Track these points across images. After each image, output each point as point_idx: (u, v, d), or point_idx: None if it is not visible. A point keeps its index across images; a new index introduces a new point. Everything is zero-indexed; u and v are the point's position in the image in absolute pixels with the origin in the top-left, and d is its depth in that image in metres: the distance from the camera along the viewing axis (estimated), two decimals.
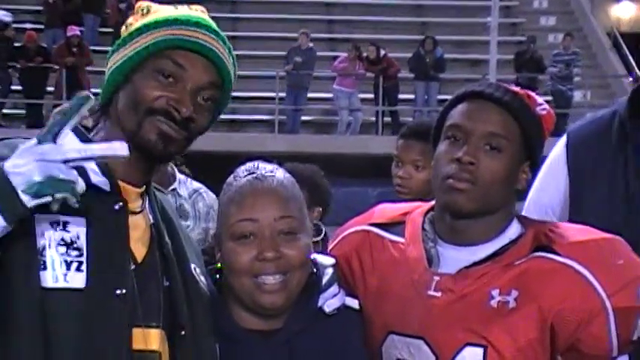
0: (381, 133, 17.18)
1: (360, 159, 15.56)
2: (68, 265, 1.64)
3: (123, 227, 1.71)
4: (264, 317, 1.88)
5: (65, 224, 1.65)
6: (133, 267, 1.71)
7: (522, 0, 21.15)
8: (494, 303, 1.87)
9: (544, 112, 1.99)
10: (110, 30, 17.65)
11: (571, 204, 2.28)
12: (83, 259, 1.64)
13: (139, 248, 1.75)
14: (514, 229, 1.95)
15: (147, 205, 1.80)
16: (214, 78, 1.81)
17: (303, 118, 17.89)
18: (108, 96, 1.79)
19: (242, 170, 1.93)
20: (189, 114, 1.73)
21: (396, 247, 2.02)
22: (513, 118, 1.93)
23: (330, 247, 2.14)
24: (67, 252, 1.64)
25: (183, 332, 1.76)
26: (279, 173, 1.92)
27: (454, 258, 1.94)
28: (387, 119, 17.64)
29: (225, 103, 1.95)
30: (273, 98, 17.45)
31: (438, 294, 1.90)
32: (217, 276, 1.93)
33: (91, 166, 1.66)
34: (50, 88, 16.61)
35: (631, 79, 19.15)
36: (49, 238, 1.64)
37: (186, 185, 4.11)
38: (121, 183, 1.73)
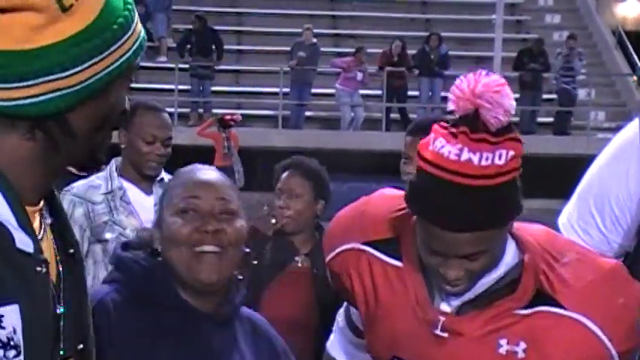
0: (388, 129, 17.16)
1: (363, 155, 15.55)
2: None
3: (47, 297, 1.36)
4: (201, 295, 1.93)
5: (0, 319, 1.29)
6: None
7: None
8: (502, 351, 1.82)
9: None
10: None
11: None
12: (21, 357, 1.31)
13: (53, 273, 1.40)
14: (511, 254, 1.85)
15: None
16: None
17: (307, 113, 17.88)
18: (57, 110, 1.31)
19: (185, 168, 2.06)
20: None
21: (394, 272, 1.93)
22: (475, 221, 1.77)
23: (327, 260, 2.08)
24: (4, 355, 1.30)
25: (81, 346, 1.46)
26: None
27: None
28: (395, 116, 17.63)
29: None
30: (277, 93, 17.43)
31: (445, 334, 1.84)
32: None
33: (8, 218, 1.30)
34: None
35: (635, 77, 19.15)
36: None
37: (168, 177, 4.08)
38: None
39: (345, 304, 2.19)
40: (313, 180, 3.56)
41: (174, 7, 18.45)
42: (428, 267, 1.83)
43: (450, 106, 1.77)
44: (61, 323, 1.38)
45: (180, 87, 17.13)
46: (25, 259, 1.30)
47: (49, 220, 1.42)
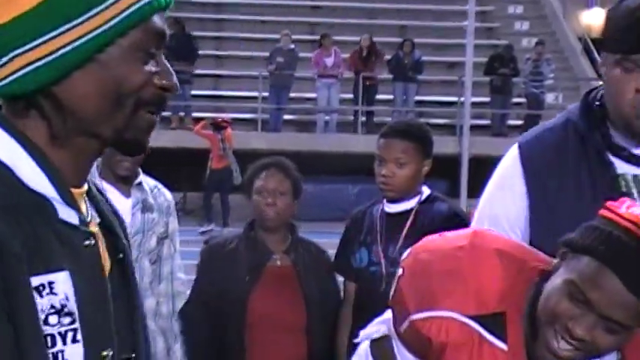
0: (360, 131, 17.18)
1: (340, 157, 15.56)
2: (64, 337, 1.23)
3: (98, 270, 1.29)
4: None
5: (51, 285, 1.22)
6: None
7: (498, 5, 21.18)
8: None
9: None
10: None
11: (534, 223, 2.14)
12: (77, 325, 1.23)
13: (106, 260, 1.32)
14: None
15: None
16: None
17: (285, 117, 17.86)
18: (43, 84, 1.22)
19: None
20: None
21: (495, 354, 1.74)
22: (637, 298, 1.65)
23: (414, 316, 1.78)
24: (59, 321, 1.22)
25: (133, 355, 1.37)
26: None
27: None
28: (363, 118, 17.67)
29: None
30: (256, 97, 17.44)
31: None
32: None
33: (51, 193, 1.24)
34: None
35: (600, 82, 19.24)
36: (40, 309, 1.21)
37: (146, 180, 4.07)
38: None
39: (391, 343, 1.91)
40: (292, 180, 3.56)
41: None
42: (550, 318, 1.67)
43: None
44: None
45: None
46: (70, 231, 1.25)
47: (97, 220, 1.34)
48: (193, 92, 17.21)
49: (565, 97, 18.99)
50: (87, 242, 1.26)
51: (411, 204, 3.49)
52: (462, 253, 1.76)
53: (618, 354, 1.76)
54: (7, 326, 1.17)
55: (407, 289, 1.78)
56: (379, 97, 17.72)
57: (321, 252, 3.63)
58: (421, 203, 3.50)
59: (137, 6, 1.22)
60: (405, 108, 17.39)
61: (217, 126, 14.22)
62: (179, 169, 14.31)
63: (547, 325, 1.68)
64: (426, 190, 3.54)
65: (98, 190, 1.41)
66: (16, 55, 1.20)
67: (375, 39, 17.81)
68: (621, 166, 2.09)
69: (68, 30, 1.19)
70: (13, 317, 1.18)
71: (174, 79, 1.29)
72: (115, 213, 1.41)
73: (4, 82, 1.21)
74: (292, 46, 17.27)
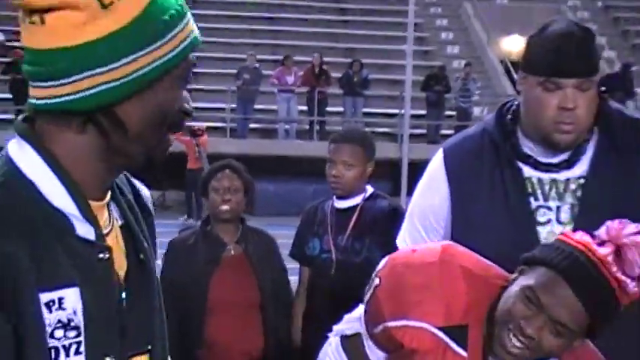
0: (315, 138, 17.18)
1: (297, 160, 15.53)
2: (67, 350, 1.16)
3: (109, 282, 1.21)
4: None
5: (61, 301, 1.15)
6: (123, 296, 1.23)
7: (432, 32, 21.29)
8: None
9: (631, 292, 1.68)
10: None
11: (455, 219, 2.13)
12: (81, 338, 1.17)
13: (121, 267, 1.25)
14: None
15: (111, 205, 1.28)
16: None
17: (251, 125, 17.81)
18: (109, 103, 1.15)
19: None
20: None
21: (456, 358, 1.74)
22: (586, 312, 1.66)
23: (391, 324, 1.76)
24: (64, 335, 1.15)
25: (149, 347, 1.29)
26: None
27: None
28: (317, 127, 17.69)
29: None
30: (225, 109, 17.39)
31: None
32: None
33: (71, 209, 1.17)
34: None
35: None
36: (48, 324, 1.14)
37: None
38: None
39: (363, 341, 1.89)
40: (243, 179, 3.55)
41: None
42: (506, 318, 1.67)
43: None
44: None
45: None
46: (86, 247, 1.17)
47: (119, 222, 1.27)
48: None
49: (489, 111, 19.10)
50: (101, 256, 1.19)
51: (356, 200, 3.48)
52: (433, 269, 1.75)
53: None
54: (8, 327, 1.11)
55: (383, 298, 1.77)
56: (331, 109, 17.75)
57: (267, 238, 3.61)
58: (366, 200, 3.49)
59: (188, 41, 1.19)
60: (354, 119, 17.40)
61: (194, 133, 14.25)
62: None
63: (502, 325, 1.68)
64: (369, 189, 3.53)
65: (128, 179, 1.32)
66: (90, 76, 1.13)
67: (328, 59, 17.82)
68: (528, 171, 2.07)
69: (142, 56, 1.14)
70: (19, 329, 1.11)
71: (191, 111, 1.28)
72: (143, 205, 1.33)
73: (72, 97, 1.14)
74: (257, 64, 17.26)
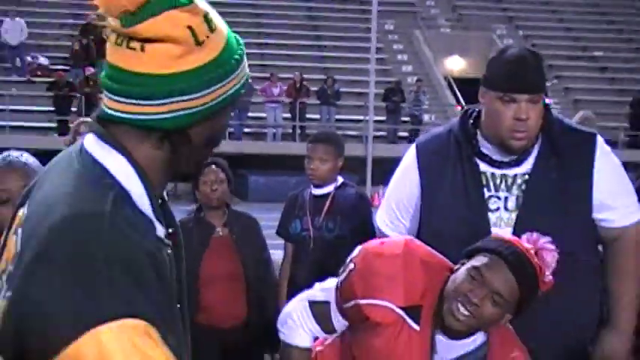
0: (297, 140, 17.14)
1: (283, 158, 15.48)
2: None
3: (173, 275, 1.13)
4: None
5: None
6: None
7: (390, 54, 21.27)
8: None
9: (547, 281, 1.75)
10: None
11: (423, 202, 2.12)
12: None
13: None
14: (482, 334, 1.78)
15: None
16: None
17: (245, 130, 17.72)
18: (183, 125, 1.10)
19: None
20: None
21: (410, 333, 1.75)
22: (519, 288, 1.71)
23: (363, 301, 1.76)
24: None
25: None
26: (25, 157, 1.79)
27: (447, 346, 1.76)
28: (299, 131, 17.65)
29: None
30: None
31: None
32: None
33: (149, 210, 1.09)
34: (74, 109, 16.14)
35: (459, 107, 19.47)
36: None
37: None
38: None
39: (332, 314, 1.87)
40: (227, 172, 3.52)
41: None
42: (455, 293, 1.70)
43: None
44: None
45: None
46: (161, 245, 1.10)
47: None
48: None
49: (436, 117, 19.15)
50: (169, 251, 1.12)
51: (329, 189, 3.47)
52: (398, 260, 1.77)
53: (485, 335, 1.78)
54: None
55: (357, 280, 1.77)
56: (310, 116, 17.69)
57: (250, 220, 3.57)
58: (337, 188, 3.48)
59: (245, 77, 1.17)
60: (328, 124, 17.36)
61: None
62: None
63: (452, 299, 1.71)
64: (340, 179, 3.52)
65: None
66: (175, 101, 1.06)
67: (307, 76, 17.76)
68: (483, 167, 2.06)
69: (219, 88, 1.10)
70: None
71: None
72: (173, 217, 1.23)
73: (154, 116, 1.06)
74: (249, 80, 17.11)
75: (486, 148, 2.07)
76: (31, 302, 0.97)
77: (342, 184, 3.51)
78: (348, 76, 19.65)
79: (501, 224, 2.01)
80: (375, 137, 16.66)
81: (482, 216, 2.02)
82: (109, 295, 0.97)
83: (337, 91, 17.61)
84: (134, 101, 1.06)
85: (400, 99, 17.85)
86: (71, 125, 4.87)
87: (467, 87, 20.42)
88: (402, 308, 1.74)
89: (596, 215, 2.05)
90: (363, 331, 1.78)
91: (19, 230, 1.07)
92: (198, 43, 1.06)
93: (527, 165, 2.05)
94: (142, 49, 1.05)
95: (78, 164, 1.08)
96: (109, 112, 1.09)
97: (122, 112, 1.07)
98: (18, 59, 17.35)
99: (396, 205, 2.19)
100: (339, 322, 1.87)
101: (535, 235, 1.78)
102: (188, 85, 1.06)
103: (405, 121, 18.46)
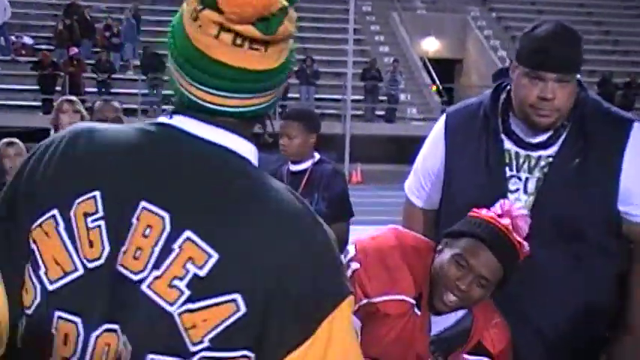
0: (278, 119, 17.03)
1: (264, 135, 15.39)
2: None
3: None
4: None
5: None
6: None
7: (368, 35, 21.18)
8: None
9: (525, 251, 1.75)
10: (98, 50, 17.03)
11: (445, 170, 2.04)
12: None
13: None
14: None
15: None
16: None
17: None
18: (268, 112, 1.16)
19: None
20: None
21: (415, 318, 1.77)
22: (502, 267, 1.72)
23: (380, 299, 1.77)
24: None
25: None
26: None
27: (434, 323, 1.78)
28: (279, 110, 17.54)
29: None
30: None
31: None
32: None
33: None
34: (58, 88, 15.91)
35: (434, 87, 19.45)
36: None
37: None
38: None
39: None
40: None
41: (139, 38, 17.89)
42: (444, 280, 1.71)
43: None
44: None
45: (143, 91, 16.65)
46: None
47: None
48: (164, 92, 16.82)
49: (412, 97, 19.15)
50: None
51: (307, 165, 3.45)
52: (396, 252, 1.78)
53: (470, 316, 1.79)
54: None
55: (365, 279, 1.76)
56: (291, 95, 17.57)
57: None
58: (314, 164, 3.46)
59: None
60: (307, 103, 17.27)
61: None
62: None
63: (442, 286, 1.71)
64: (317, 156, 3.51)
65: None
66: (270, 94, 1.07)
67: None
68: (509, 145, 1.96)
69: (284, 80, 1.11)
70: None
71: None
72: None
73: (263, 105, 1.08)
74: None
75: (515, 124, 1.96)
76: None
77: (320, 160, 3.49)
78: (327, 57, 19.53)
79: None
80: (353, 116, 16.61)
81: (501, 194, 1.90)
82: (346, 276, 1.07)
83: (316, 71, 17.50)
84: (253, 95, 1.05)
85: (377, 79, 17.79)
86: (55, 104, 4.74)
87: (441, 67, 20.44)
88: (414, 298, 1.76)
89: (621, 207, 1.90)
90: (370, 322, 1.77)
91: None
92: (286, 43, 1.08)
93: (554, 148, 1.94)
94: (266, 50, 1.03)
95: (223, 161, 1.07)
96: (229, 110, 1.06)
97: (244, 106, 1.06)
98: (2, 39, 17.09)
99: (422, 172, 2.11)
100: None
101: (507, 202, 1.76)
102: (276, 81, 1.07)
103: (382, 101, 18.42)
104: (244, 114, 1.06)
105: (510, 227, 1.73)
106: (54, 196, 1.02)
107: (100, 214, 1.00)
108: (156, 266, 0.97)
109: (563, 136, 1.93)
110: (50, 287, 0.99)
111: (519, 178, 1.94)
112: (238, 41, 1.01)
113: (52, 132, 4.50)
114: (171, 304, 0.95)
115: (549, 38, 1.86)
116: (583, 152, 1.91)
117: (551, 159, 1.93)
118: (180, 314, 0.95)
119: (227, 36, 1.01)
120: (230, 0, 0.99)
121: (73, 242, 0.99)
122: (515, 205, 1.76)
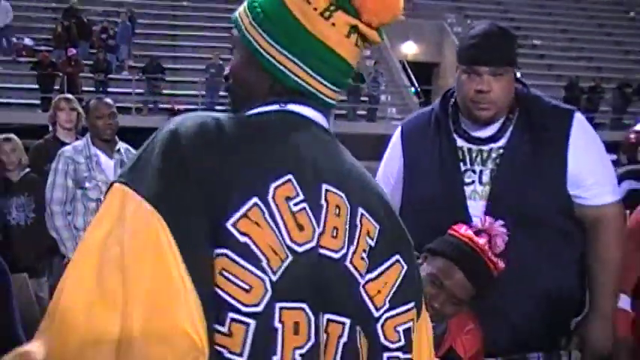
0: None
1: None
2: None
3: None
4: None
5: None
6: None
7: None
8: None
9: (499, 268, 1.74)
10: (95, 51, 16.92)
11: (405, 172, 2.08)
12: None
13: None
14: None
15: None
16: None
17: (217, 107, 17.54)
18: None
19: None
20: None
21: None
22: (473, 287, 1.72)
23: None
24: None
25: None
26: None
27: None
28: None
29: None
30: (197, 95, 17.05)
31: None
32: None
33: None
34: (56, 87, 15.79)
35: (413, 89, 19.51)
36: None
37: (121, 145, 3.87)
38: None
39: None
40: None
41: (133, 41, 17.79)
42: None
43: None
44: None
45: (137, 90, 16.58)
46: None
47: None
48: (164, 92, 16.78)
49: (392, 98, 19.20)
50: None
51: None
52: None
53: (445, 324, 1.78)
54: None
55: None
56: None
57: None
58: None
59: None
60: None
61: (174, 112, 13.97)
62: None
63: None
64: None
65: None
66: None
67: None
68: (461, 142, 2.01)
69: None
70: None
71: None
72: None
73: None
74: (220, 62, 16.96)
75: (465, 123, 2.02)
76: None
77: None
78: None
79: (476, 197, 1.95)
80: (337, 115, 16.62)
81: (458, 188, 1.96)
82: None
83: None
84: (342, 90, 1.09)
85: (359, 81, 17.78)
86: (53, 102, 4.74)
87: (420, 70, 20.48)
88: None
89: (571, 191, 1.94)
90: None
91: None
92: None
93: (504, 140, 1.98)
94: (361, 48, 1.07)
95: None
96: (331, 102, 1.08)
97: (334, 100, 1.09)
98: (4, 40, 16.99)
99: (383, 178, 2.14)
100: None
101: (488, 220, 1.77)
102: None
103: (363, 101, 18.45)
104: (332, 107, 1.09)
105: (486, 247, 1.72)
106: (248, 184, 0.90)
107: (301, 197, 0.93)
108: (350, 242, 0.97)
109: (510, 129, 1.98)
110: (274, 278, 0.89)
111: (474, 171, 1.98)
112: (360, 42, 1.06)
113: (50, 128, 4.48)
114: (362, 276, 0.97)
115: (481, 35, 1.93)
116: (531, 142, 1.95)
117: (501, 150, 1.97)
118: (364, 285, 0.97)
119: (354, 37, 1.05)
120: (372, 7, 1.01)
121: (280, 228, 0.90)
122: (496, 224, 1.75)
